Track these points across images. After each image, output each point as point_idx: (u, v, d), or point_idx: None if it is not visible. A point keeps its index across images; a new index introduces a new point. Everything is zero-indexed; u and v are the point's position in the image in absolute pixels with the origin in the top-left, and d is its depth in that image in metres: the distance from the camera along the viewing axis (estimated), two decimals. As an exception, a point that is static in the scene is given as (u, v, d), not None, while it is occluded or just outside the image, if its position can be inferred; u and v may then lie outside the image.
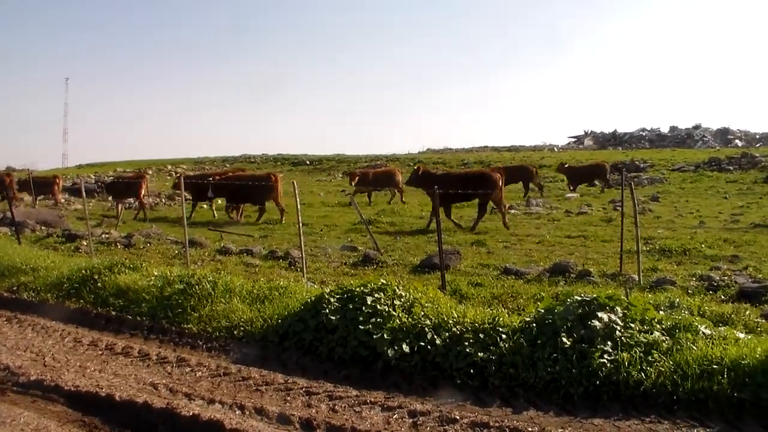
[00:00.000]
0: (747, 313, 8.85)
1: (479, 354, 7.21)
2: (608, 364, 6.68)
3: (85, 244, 16.47)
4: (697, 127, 69.16)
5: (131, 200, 28.11)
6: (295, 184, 12.78)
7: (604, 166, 33.30)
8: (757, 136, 65.63)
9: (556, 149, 67.22)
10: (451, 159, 53.05)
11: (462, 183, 19.57)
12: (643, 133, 70.47)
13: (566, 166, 34.39)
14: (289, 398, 6.88)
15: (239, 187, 23.05)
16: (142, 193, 26.16)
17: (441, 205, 19.98)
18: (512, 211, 23.84)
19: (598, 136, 73.44)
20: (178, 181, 28.19)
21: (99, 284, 11.28)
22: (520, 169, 31.92)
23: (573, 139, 75.80)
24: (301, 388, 7.09)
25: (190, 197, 25.09)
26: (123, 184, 26.94)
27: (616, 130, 73.00)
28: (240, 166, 54.30)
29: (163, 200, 32.55)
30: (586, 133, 75.49)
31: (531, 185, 31.61)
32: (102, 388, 6.99)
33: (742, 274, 11.48)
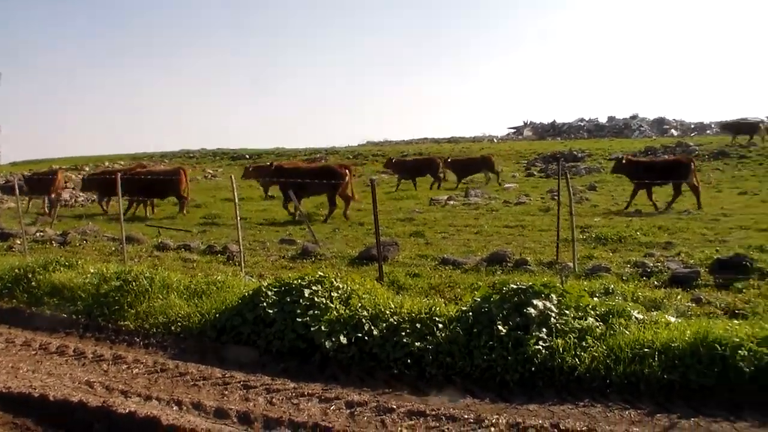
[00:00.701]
0: (678, 297, 9.13)
1: (416, 344, 7.27)
2: (543, 351, 6.80)
3: (18, 242, 16.08)
4: (634, 117, 70.27)
5: (65, 197, 27.64)
6: (233, 178, 12.69)
7: (490, 159, 34.73)
8: (692, 126, 67.17)
9: (495, 140, 67.72)
10: (391, 151, 52.88)
11: (309, 177, 20.26)
12: (582, 123, 71.36)
13: (449, 160, 35.95)
14: (226, 392, 6.86)
15: (145, 182, 23.06)
16: (55, 188, 26.10)
17: (295, 197, 20.21)
18: (451, 202, 24.08)
19: (537, 127, 74.17)
20: (84, 180, 27.93)
21: (33, 283, 11.02)
22: (427, 162, 34.67)
23: (512, 130, 76.35)
24: (239, 382, 7.08)
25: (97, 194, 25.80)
26: (37, 180, 26.83)
27: (555, 121, 73.75)
28: (179, 161, 53.66)
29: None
30: (525, 124, 76.07)
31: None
32: (35, 389, 6.85)
33: (674, 260, 11.75)
